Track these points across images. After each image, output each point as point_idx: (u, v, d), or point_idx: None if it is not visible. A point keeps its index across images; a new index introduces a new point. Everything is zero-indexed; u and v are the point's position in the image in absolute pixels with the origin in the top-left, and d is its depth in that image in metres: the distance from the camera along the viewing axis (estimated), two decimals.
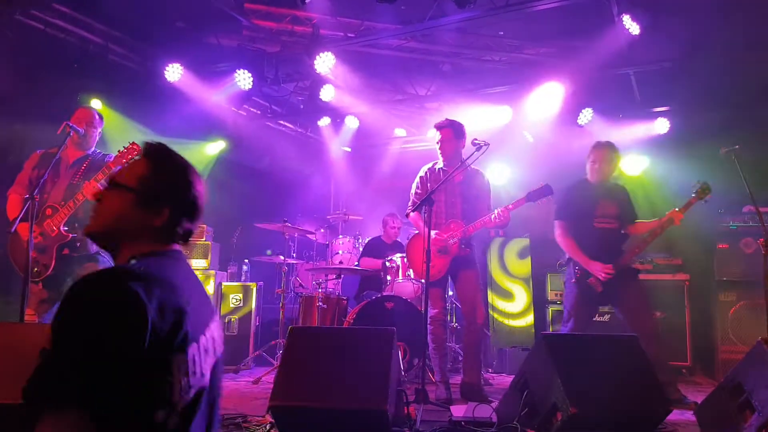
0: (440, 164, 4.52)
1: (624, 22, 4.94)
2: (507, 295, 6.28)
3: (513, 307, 6.26)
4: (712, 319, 5.46)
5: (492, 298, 6.27)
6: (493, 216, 4.21)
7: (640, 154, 6.94)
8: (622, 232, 4.35)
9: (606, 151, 4.41)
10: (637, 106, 6.68)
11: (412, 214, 4.46)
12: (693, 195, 4.17)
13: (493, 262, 6.37)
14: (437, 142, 4.48)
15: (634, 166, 7.03)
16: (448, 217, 4.39)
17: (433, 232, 4.04)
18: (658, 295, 5.55)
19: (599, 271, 4.12)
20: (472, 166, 4.36)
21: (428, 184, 4.46)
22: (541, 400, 2.85)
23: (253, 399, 4.10)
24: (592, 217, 4.33)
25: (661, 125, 6.68)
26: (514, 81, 6.59)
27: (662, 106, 6.66)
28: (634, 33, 4.99)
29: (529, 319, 6.24)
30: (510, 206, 4.24)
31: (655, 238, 4.21)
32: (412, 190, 4.61)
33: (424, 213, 3.95)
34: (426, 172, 4.57)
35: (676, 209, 4.18)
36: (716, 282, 5.44)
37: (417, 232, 4.59)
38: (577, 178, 4.57)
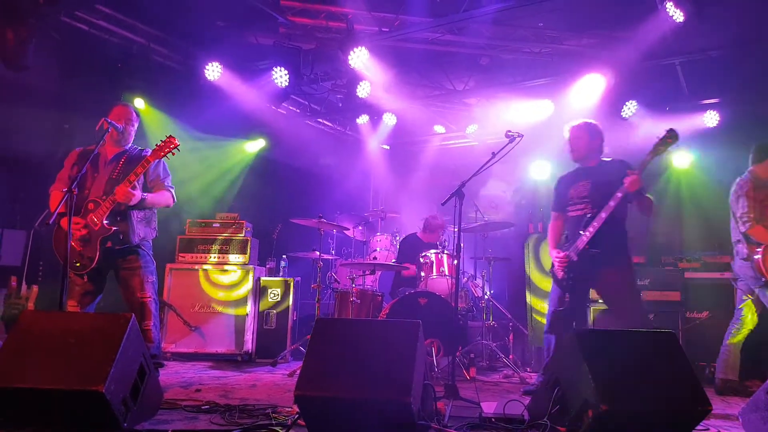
0: None
1: (668, 10, 4.75)
2: (546, 296, 6.10)
3: None
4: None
5: (530, 298, 6.12)
6: None
7: (687, 148, 6.70)
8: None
9: (573, 129, 4.26)
10: (684, 98, 6.43)
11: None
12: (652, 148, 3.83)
13: (529, 260, 6.20)
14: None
15: (682, 160, 6.79)
16: None
17: None
18: (705, 294, 5.33)
19: (553, 258, 4.15)
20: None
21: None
22: (572, 396, 2.76)
23: (286, 391, 4.15)
24: (567, 204, 4.24)
25: (711, 118, 6.41)
26: (554, 73, 6.45)
27: (711, 98, 6.40)
28: (678, 21, 4.79)
29: None
30: None
31: (609, 212, 3.86)
32: None
33: (456, 205, 3.92)
34: None
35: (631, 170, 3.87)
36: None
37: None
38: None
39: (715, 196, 6.35)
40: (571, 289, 4.09)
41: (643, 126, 6.46)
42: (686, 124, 6.46)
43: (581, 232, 3.99)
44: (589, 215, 4.02)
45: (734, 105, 6.24)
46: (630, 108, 6.35)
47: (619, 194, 3.85)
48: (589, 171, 4.21)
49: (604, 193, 3.97)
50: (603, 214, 3.89)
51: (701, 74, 6.04)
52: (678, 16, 4.79)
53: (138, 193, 3.85)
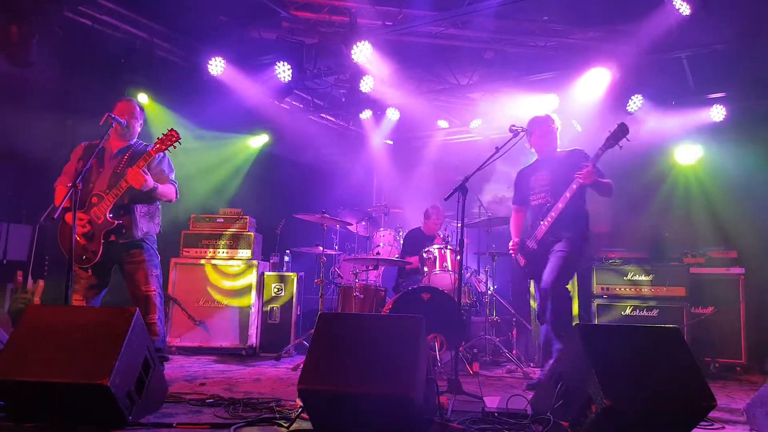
0: None
1: (674, 3, 4.71)
2: None
3: None
4: None
5: (533, 293, 6.10)
6: None
7: (694, 142, 6.66)
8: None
9: (545, 124, 4.37)
10: (690, 93, 6.39)
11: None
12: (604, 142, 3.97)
13: None
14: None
15: (688, 156, 6.75)
16: None
17: None
18: (710, 290, 5.31)
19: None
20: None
21: None
22: (575, 392, 2.75)
23: (290, 385, 4.16)
24: (529, 194, 4.40)
25: (717, 113, 6.37)
26: (559, 67, 6.40)
27: (718, 93, 6.35)
28: (684, 14, 4.75)
29: None
30: None
31: (566, 203, 4.02)
32: None
33: (460, 201, 3.92)
34: None
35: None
36: None
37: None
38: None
39: (722, 191, 6.34)
40: (537, 278, 4.26)
41: (648, 120, 6.42)
42: (692, 118, 6.43)
43: (540, 222, 4.19)
44: (548, 204, 4.19)
45: (741, 99, 6.19)
46: (635, 102, 6.30)
47: (575, 186, 4.02)
48: (550, 161, 4.37)
49: (562, 182, 4.13)
50: (560, 205, 4.07)
51: (707, 68, 5.99)
52: (684, 9, 4.75)
53: (150, 179, 3.83)
